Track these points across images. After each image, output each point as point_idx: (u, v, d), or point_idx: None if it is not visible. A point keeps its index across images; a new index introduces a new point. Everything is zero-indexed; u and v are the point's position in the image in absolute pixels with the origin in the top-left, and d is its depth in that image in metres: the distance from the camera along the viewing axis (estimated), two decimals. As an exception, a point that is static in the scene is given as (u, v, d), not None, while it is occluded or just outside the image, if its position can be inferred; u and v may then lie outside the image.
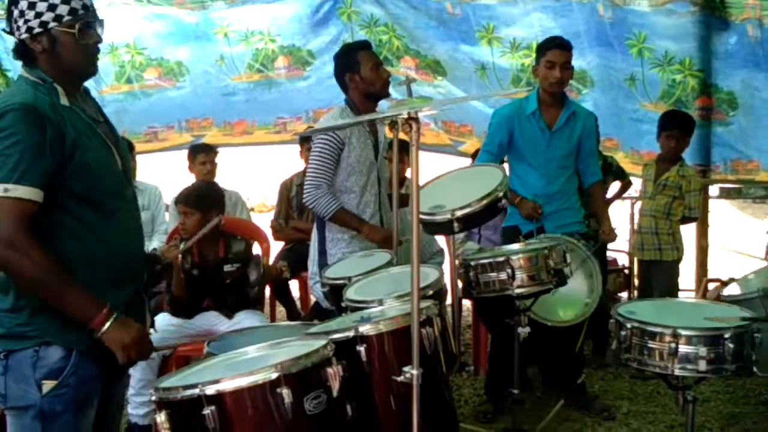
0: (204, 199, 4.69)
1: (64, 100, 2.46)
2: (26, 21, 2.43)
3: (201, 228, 4.00)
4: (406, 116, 2.44)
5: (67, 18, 2.45)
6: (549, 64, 4.54)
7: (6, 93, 2.54)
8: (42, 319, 2.43)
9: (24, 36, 2.45)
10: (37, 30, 2.44)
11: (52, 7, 2.43)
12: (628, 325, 3.28)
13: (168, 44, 6.94)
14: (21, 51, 2.50)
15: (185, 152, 6.50)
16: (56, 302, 2.39)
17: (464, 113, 7.11)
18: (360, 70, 4.33)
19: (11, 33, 2.50)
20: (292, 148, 6.90)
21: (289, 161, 6.69)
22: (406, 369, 2.49)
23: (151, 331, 2.73)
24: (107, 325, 2.40)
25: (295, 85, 7.18)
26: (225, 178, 6.39)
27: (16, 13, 2.45)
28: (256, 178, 7.69)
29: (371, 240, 4.29)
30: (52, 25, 2.44)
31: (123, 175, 2.61)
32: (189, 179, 6.32)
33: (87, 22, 2.50)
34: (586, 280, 4.21)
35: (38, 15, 2.42)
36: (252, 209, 6.87)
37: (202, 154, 6.21)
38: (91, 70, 2.59)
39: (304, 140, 6.01)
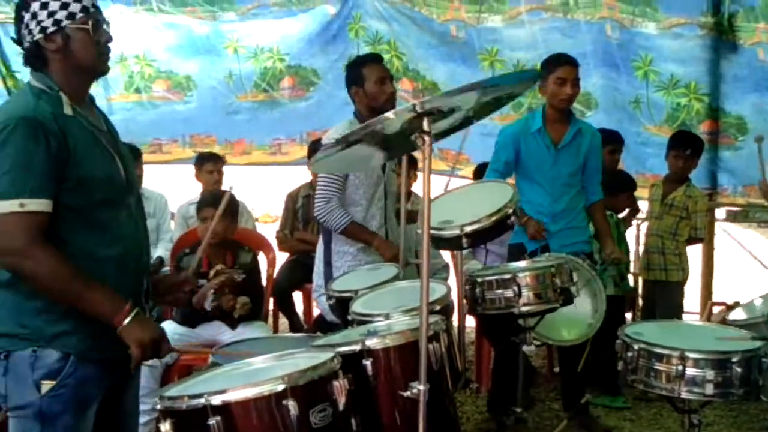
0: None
1: (67, 110, 2.48)
2: (39, 22, 2.45)
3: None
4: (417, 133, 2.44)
5: (80, 15, 2.48)
6: (559, 80, 4.53)
7: (7, 105, 2.58)
8: (37, 322, 2.44)
9: (38, 37, 2.47)
10: (51, 29, 2.46)
11: (64, 6, 2.46)
12: (635, 347, 3.25)
13: (178, 57, 6.98)
14: (33, 54, 2.51)
15: (188, 166, 6.52)
16: (77, 305, 2.43)
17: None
18: (364, 84, 4.31)
19: (19, 41, 2.52)
20: (288, 169, 6.96)
21: (287, 183, 6.69)
22: (412, 384, 2.47)
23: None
24: (126, 321, 2.42)
25: (296, 106, 7.17)
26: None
27: (27, 16, 2.46)
28: (258, 193, 7.71)
29: (381, 254, 4.28)
30: (65, 23, 2.47)
31: (125, 183, 2.62)
32: (193, 190, 6.33)
33: (98, 19, 2.53)
34: (591, 301, 4.19)
35: (51, 14, 2.45)
36: (257, 220, 6.85)
37: (209, 163, 6.23)
38: (104, 68, 2.62)
39: (312, 152, 6.01)
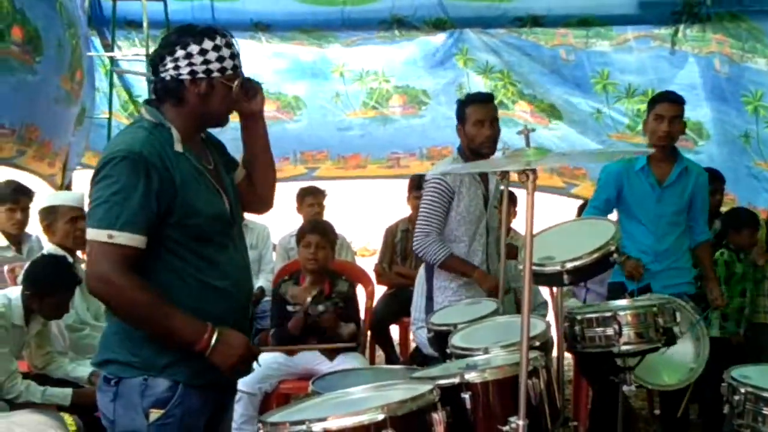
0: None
1: (177, 146, 2.56)
2: (191, 64, 2.55)
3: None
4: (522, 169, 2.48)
5: (229, 72, 2.60)
6: (658, 117, 4.48)
7: (119, 136, 2.66)
8: (148, 351, 2.52)
9: (185, 77, 2.56)
10: (201, 75, 2.56)
11: (220, 59, 2.58)
12: (742, 390, 3.16)
13: (286, 80, 7.25)
14: (168, 89, 2.59)
15: (297, 185, 6.69)
16: (159, 335, 2.49)
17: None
18: (465, 124, 4.36)
19: (155, 71, 2.60)
20: (405, 183, 7.01)
21: (400, 197, 6.75)
22: (511, 419, 2.47)
23: (255, 365, 2.75)
24: (211, 344, 2.48)
25: (410, 123, 7.36)
26: (334, 213, 6.54)
27: (181, 53, 2.55)
28: (364, 217, 7.84)
29: (481, 286, 4.27)
30: (215, 74, 2.58)
31: (230, 216, 2.69)
32: (297, 217, 6.47)
33: (242, 81, 2.66)
34: (693, 344, 4.08)
35: (206, 62, 2.56)
36: (355, 253, 6.95)
37: (310, 197, 6.37)
38: (225, 124, 2.73)
39: (413, 187, 6.07)
